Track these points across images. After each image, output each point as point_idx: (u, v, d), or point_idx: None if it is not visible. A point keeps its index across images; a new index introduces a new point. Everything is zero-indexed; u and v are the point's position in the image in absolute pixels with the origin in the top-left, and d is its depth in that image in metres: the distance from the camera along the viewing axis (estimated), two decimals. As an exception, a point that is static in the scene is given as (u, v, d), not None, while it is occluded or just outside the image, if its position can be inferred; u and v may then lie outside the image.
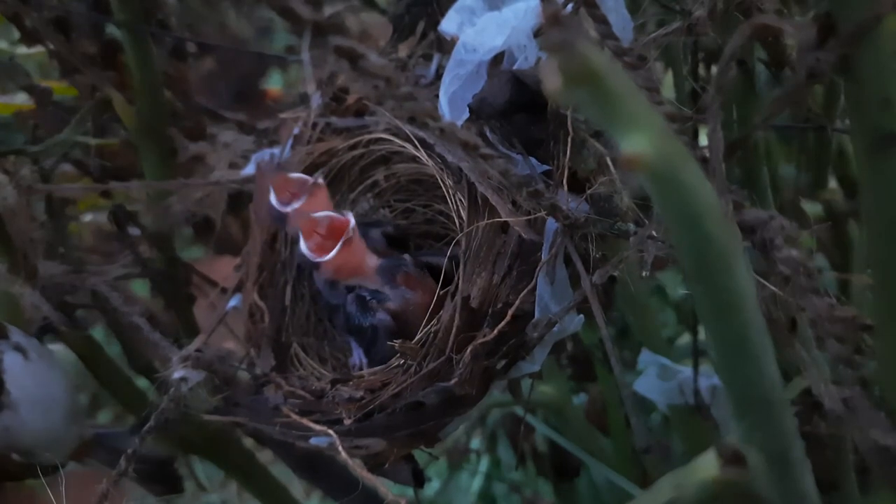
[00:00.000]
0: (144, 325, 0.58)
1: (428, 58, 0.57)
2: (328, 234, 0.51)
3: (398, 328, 0.50)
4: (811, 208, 0.70)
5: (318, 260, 0.50)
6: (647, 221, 0.42)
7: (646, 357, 0.66)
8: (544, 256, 0.45)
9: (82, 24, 0.67)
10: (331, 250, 0.50)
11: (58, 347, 0.60)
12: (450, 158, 0.50)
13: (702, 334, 0.62)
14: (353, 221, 0.50)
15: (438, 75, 0.54)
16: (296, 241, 0.53)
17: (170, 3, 0.76)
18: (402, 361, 0.48)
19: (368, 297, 0.52)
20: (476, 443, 1.03)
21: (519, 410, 0.78)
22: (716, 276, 0.24)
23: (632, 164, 0.21)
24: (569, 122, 0.45)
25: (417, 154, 0.53)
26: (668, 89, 0.63)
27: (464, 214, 0.49)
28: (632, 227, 0.43)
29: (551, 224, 0.45)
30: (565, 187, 0.45)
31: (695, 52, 0.53)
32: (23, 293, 0.55)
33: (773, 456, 0.28)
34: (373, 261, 0.52)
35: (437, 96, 0.49)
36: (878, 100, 0.32)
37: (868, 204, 0.34)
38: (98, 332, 0.71)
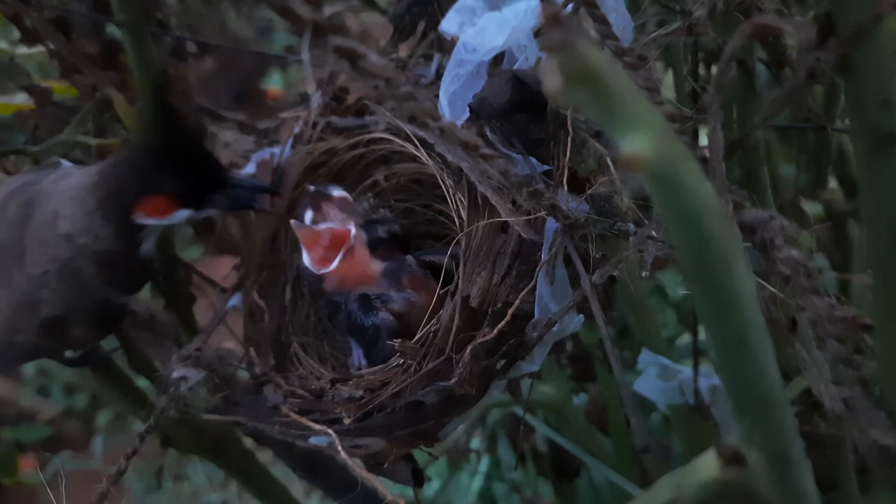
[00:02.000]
0: (144, 325, 0.58)
1: (428, 58, 0.57)
2: (331, 245, 0.51)
3: (401, 328, 0.50)
4: (811, 208, 0.70)
5: (321, 272, 0.50)
6: (647, 221, 0.42)
7: (646, 357, 0.66)
8: (544, 256, 0.45)
9: (82, 24, 0.67)
10: (333, 261, 0.50)
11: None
12: (450, 158, 0.50)
13: (702, 334, 0.62)
14: (353, 231, 0.50)
15: (438, 75, 0.54)
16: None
17: (170, 3, 0.75)
18: (401, 361, 0.48)
19: (372, 297, 0.52)
20: (476, 443, 1.03)
21: (519, 410, 0.78)
22: (716, 276, 0.24)
23: (632, 164, 0.21)
24: (569, 122, 0.45)
25: (417, 154, 0.53)
26: (668, 89, 0.63)
27: (464, 214, 0.49)
28: (632, 227, 0.43)
29: (551, 224, 0.45)
30: (565, 187, 0.44)
31: (695, 52, 0.53)
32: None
33: (773, 456, 0.28)
34: (377, 266, 0.52)
35: (437, 96, 0.49)
36: (878, 100, 0.32)
37: (868, 204, 0.34)
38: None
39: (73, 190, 0.49)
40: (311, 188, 0.54)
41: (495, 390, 0.49)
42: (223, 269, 0.64)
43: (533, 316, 0.45)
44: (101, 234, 0.48)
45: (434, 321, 0.47)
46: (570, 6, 0.43)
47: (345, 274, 0.51)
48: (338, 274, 0.50)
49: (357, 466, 0.45)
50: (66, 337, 0.51)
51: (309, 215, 0.53)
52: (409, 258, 0.52)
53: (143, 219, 0.48)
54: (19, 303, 0.49)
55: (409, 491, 0.52)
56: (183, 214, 0.49)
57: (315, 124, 0.60)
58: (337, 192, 0.54)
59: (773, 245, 0.33)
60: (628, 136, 0.21)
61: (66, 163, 0.55)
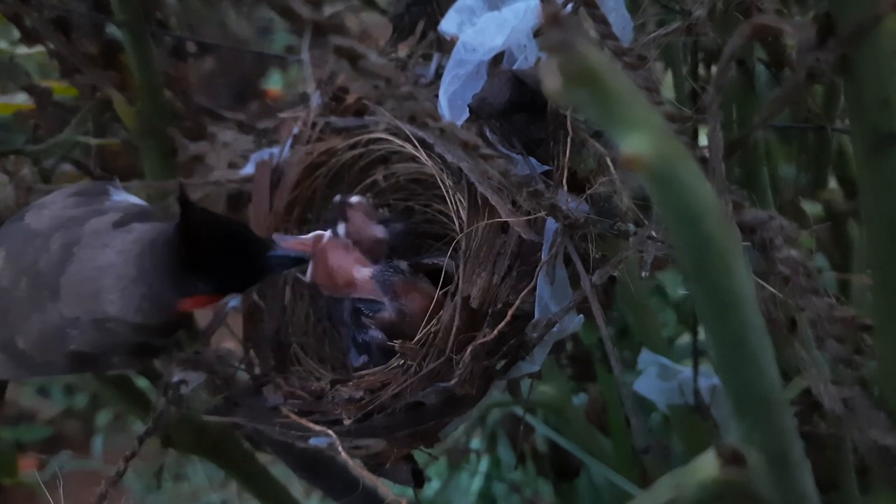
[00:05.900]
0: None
1: (428, 58, 0.57)
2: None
3: (392, 339, 0.50)
4: (811, 208, 0.70)
5: (306, 278, 0.50)
6: (647, 221, 0.42)
7: (646, 357, 0.66)
8: (544, 256, 0.45)
9: (82, 24, 0.67)
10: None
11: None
12: (449, 158, 0.50)
13: (702, 334, 0.62)
14: (327, 235, 0.49)
15: (438, 75, 0.54)
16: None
17: (170, 3, 0.76)
18: (401, 361, 0.48)
19: (364, 310, 0.51)
20: (476, 443, 1.03)
21: (519, 410, 0.78)
22: (715, 276, 0.24)
23: (631, 164, 0.21)
24: (569, 122, 0.45)
25: (417, 154, 0.53)
26: (668, 89, 0.63)
27: (463, 214, 0.49)
28: (632, 227, 0.43)
29: (551, 224, 0.45)
30: (565, 187, 0.44)
31: (695, 52, 0.53)
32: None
33: (773, 456, 0.28)
34: (365, 271, 0.51)
35: (437, 96, 0.49)
36: (878, 100, 0.32)
37: (868, 204, 0.34)
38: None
39: (115, 277, 0.47)
40: (337, 198, 0.55)
41: (495, 390, 0.49)
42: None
43: (533, 316, 0.45)
44: (150, 316, 0.47)
45: (434, 322, 0.47)
46: (569, 6, 0.43)
47: (327, 278, 0.50)
48: (319, 277, 0.50)
49: (357, 467, 0.45)
50: (96, 367, 0.51)
51: (342, 228, 0.53)
52: (403, 264, 0.52)
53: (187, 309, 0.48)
54: (50, 332, 0.48)
55: (410, 491, 0.52)
56: (229, 299, 0.50)
57: (314, 124, 0.60)
58: (354, 199, 0.55)
59: (773, 245, 0.33)
60: (628, 136, 0.21)
61: (113, 191, 0.53)
